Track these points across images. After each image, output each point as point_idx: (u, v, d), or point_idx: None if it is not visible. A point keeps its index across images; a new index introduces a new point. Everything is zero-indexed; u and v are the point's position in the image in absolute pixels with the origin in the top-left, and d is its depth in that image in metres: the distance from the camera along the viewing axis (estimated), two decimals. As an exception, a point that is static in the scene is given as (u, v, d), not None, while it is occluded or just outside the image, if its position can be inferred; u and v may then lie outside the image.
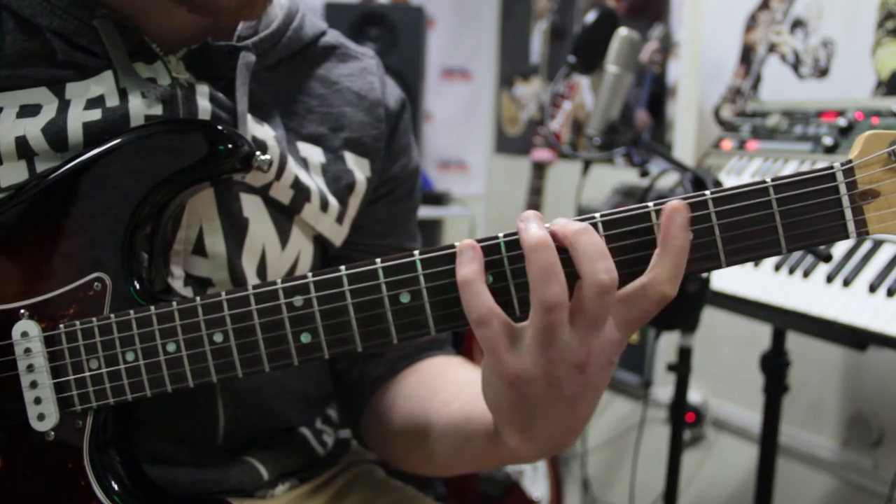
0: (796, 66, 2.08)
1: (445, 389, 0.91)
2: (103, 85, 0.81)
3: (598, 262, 0.63)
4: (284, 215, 0.91)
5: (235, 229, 0.88)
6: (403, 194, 1.04)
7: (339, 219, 0.96)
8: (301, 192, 0.90)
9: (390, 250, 1.02)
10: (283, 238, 0.92)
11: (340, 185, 0.95)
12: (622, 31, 1.66)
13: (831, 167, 0.66)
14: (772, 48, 2.15)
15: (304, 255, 0.94)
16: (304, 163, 0.92)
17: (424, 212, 2.92)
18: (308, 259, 0.95)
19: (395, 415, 0.97)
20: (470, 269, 0.65)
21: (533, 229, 0.64)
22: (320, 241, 0.96)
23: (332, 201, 0.94)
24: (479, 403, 0.79)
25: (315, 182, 0.92)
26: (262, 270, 0.90)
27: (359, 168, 0.97)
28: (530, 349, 0.65)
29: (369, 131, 0.98)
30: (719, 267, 0.67)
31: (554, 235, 0.64)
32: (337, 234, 0.97)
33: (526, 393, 0.67)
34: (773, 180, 0.66)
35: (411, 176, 1.05)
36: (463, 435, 0.83)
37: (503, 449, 0.76)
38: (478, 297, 0.65)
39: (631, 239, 0.66)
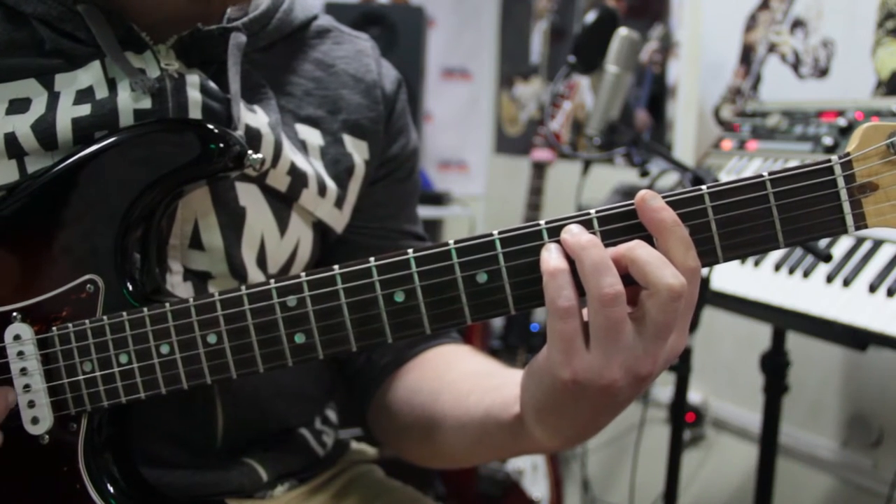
0: (796, 66, 2.08)
1: (459, 382, 0.90)
2: (91, 74, 0.81)
3: (664, 268, 0.63)
4: (282, 202, 0.91)
5: (232, 220, 0.87)
6: (403, 176, 1.04)
7: (339, 203, 0.95)
8: (298, 179, 0.90)
9: (391, 233, 1.02)
10: (282, 226, 0.91)
11: (339, 168, 0.95)
12: (622, 31, 1.66)
13: (829, 160, 0.65)
14: (772, 48, 2.15)
15: (303, 242, 0.94)
16: (302, 145, 0.92)
17: (424, 212, 2.91)
18: (308, 246, 0.95)
19: (406, 408, 0.96)
20: (562, 260, 0.65)
21: (576, 230, 0.65)
22: (320, 228, 0.96)
23: (331, 185, 0.93)
24: (498, 397, 0.79)
25: (313, 166, 0.92)
26: (261, 260, 0.90)
27: (357, 151, 0.97)
28: (597, 353, 0.64)
29: (367, 113, 0.98)
30: (716, 262, 0.67)
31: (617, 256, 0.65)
32: (337, 220, 0.96)
33: (579, 397, 0.66)
34: (770, 174, 0.65)
35: (410, 157, 1.05)
36: (482, 430, 0.82)
37: (525, 442, 0.76)
38: (569, 287, 0.64)
39: (627, 235, 0.66)
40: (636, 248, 0.64)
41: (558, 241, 0.66)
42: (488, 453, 0.87)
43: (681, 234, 0.64)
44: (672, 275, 0.63)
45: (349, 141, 0.96)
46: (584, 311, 0.66)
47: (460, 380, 0.91)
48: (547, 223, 0.67)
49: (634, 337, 0.64)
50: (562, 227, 0.66)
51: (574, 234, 0.65)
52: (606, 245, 0.65)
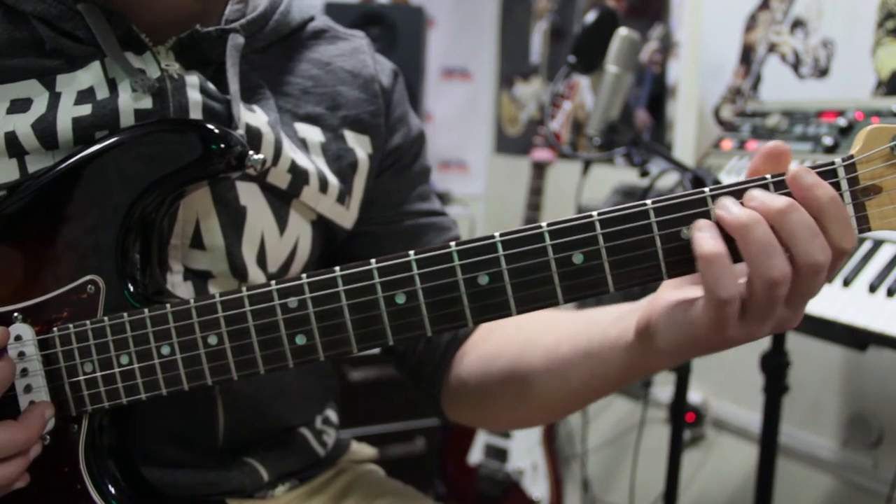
0: (796, 66, 2.08)
1: (539, 336, 0.89)
2: (92, 75, 0.81)
3: (814, 241, 0.62)
4: (282, 200, 0.91)
5: (233, 219, 0.87)
6: (409, 161, 1.04)
7: (341, 199, 0.95)
8: (299, 176, 0.90)
9: (406, 216, 1.02)
10: (282, 224, 0.91)
11: (343, 164, 0.95)
12: (622, 31, 1.66)
13: (832, 163, 0.65)
14: (772, 48, 2.14)
15: (302, 240, 0.94)
16: (302, 143, 0.92)
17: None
18: (307, 244, 0.95)
19: (486, 378, 0.94)
20: (720, 243, 0.63)
21: (736, 209, 0.63)
22: (322, 224, 0.96)
23: (333, 181, 0.94)
24: (593, 336, 0.79)
25: (314, 163, 0.92)
26: (261, 258, 0.90)
27: (360, 146, 0.97)
28: (752, 324, 0.65)
29: (366, 108, 0.98)
30: None
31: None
32: (342, 216, 0.96)
33: (723, 348, 0.68)
34: (773, 177, 0.65)
35: (414, 142, 1.05)
36: (583, 372, 0.82)
37: (636, 369, 0.77)
38: (730, 274, 0.62)
39: (629, 237, 0.66)
40: (788, 213, 0.62)
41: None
42: (595, 393, 0.85)
43: (837, 212, 0.63)
44: (820, 248, 0.62)
45: (350, 136, 0.96)
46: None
47: (540, 334, 0.89)
48: (549, 225, 0.66)
49: (784, 305, 0.64)
50: (563, 229, 0.66)
51: (733, 212, 0.63)
52: (608, 248, 0.65)
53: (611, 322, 0.79)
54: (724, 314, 0.64)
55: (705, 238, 0.63)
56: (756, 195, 0.63)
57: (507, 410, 0.95)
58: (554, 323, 0.90)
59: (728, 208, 0.63)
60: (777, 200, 0.62)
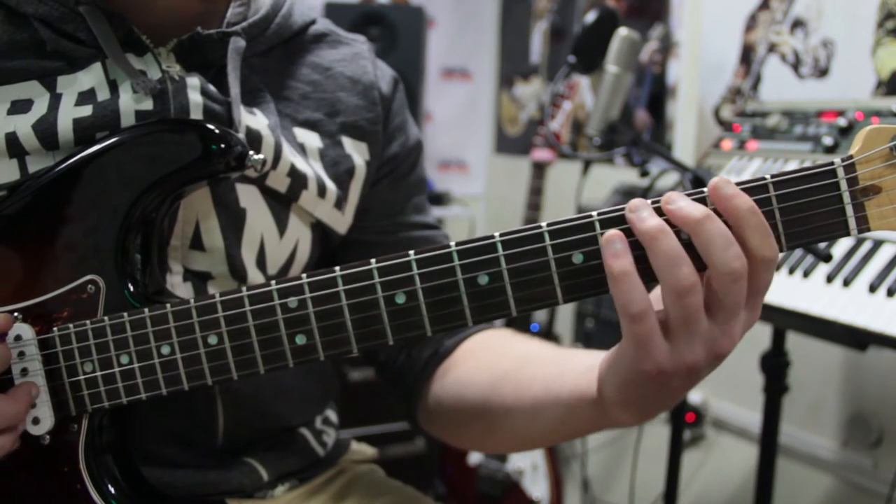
0: (796, 66, 2.08)
1: (515, 371, 0.89)
2: (93, 76, 0.81)
3: (728, 249, 0.62)
4: (281, 203, 0.91)
5: (233, 221, 0.87)
6: (406, 171, 1.04)
7: (338, 205, 0.95)
8: (298, 180, 0.90)
9: (401, 227, 1.02)
10: (281, 227, 0.91)
11: (340, 170, 0.95)
12: (622, 31, 1.66)
13: (832, 163, 0.65)
14: (772, 48, 2.15)
15: (302, 243, 0.94)
16: (301, 148, 0.92)
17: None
18: (307, 247, 0.95)
19: (459, 402, 0.95)
20: (627, 261, 0.63)
21: (648, 218, 0.63)
22: (319, 228, 0.96)
23: (331, 186, 0.94)
24: (567, 384, 0.79)
25: (313, 168, 0.92)
26: (261, 260, 0.90)
27: (357, 152, 0.97)
28: (678, 342, 0.64)
29: (365, 115, 0.98)
30: None
31: (672, 221, 0.63)
32: (338, 221, 0.96)
33: (665, 383, 0.66)
34: (772, 177, 0.65)
35: (412, 152, 1.05)
36: (552, 416, 0.82)
37: (605, 423, 0.76)
38: (637, 290, 0.63)
39: (629, 237, 0.65)
40: (704, 223, 0.62)
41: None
42: (565, 436, 0.86)
43: (757, 222, 0.63)
44: (735, 256, 0.62)
45: (348, 143, 0.96)
46: (654, 294, 0.65)
47: (516, 369, 0.89)
48: (548, 225, 0.66)
49: (710, 320, 0.64)
50: (563, 229, 0.66)
51: (644, 220, 0.63)
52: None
53: (581, 372, 0.78)
54: (641, 331, 0.63)
55: (611, 256, 0.63)
56: (675, 201, 0.64)
57: (477, 437, 0.96)
58: (531, 359, 0.90)
59: (640, 217, 0.64)
60: (694, 210, 0.63)
